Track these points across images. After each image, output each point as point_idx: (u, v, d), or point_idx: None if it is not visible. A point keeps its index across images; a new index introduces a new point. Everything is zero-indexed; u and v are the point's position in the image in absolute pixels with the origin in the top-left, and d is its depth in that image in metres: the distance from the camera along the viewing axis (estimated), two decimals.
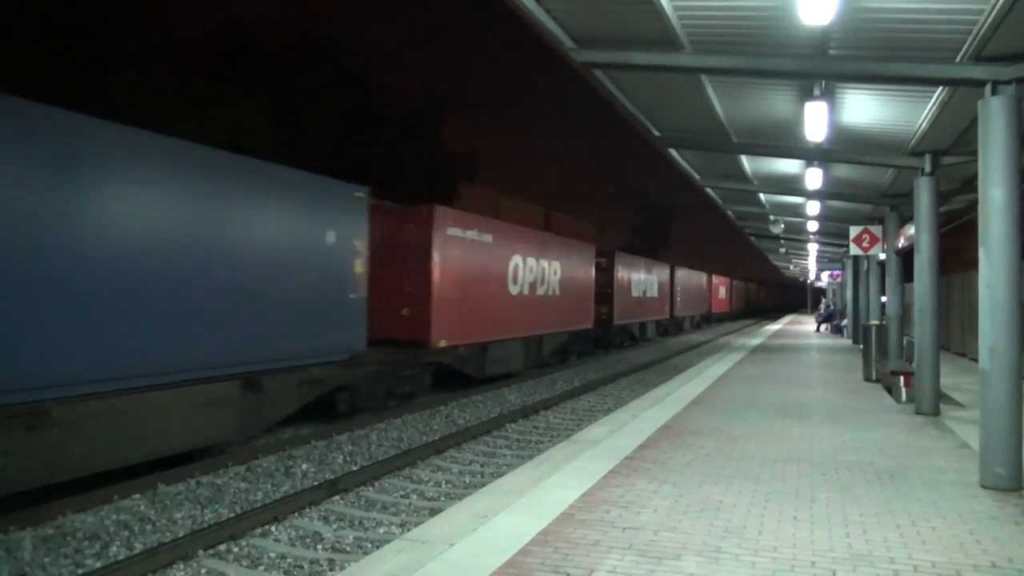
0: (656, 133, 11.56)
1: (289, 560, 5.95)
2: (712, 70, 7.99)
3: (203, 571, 5.70)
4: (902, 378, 10.67)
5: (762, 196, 18.51)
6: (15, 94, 6.61)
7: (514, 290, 16.89)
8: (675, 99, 9.96)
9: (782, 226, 23.28)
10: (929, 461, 7.00)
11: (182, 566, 5.76)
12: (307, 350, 9.99)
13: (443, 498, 7.82)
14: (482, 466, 9.28)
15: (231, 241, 8.80)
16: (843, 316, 30.65)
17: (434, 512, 6.73)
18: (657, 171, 72.59)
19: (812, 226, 22.66)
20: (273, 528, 6.69)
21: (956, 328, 18.80)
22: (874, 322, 14.72)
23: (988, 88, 6.18)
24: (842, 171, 13.32)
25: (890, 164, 11.03)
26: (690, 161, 14.63)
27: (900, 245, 14.06)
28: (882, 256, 16.32)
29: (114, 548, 6.11)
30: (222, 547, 6.17)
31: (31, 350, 6.55)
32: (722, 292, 54.15)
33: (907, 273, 13.09)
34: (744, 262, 73.53)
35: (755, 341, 26.42)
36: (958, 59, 6.61)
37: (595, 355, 24.23)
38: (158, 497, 7.46)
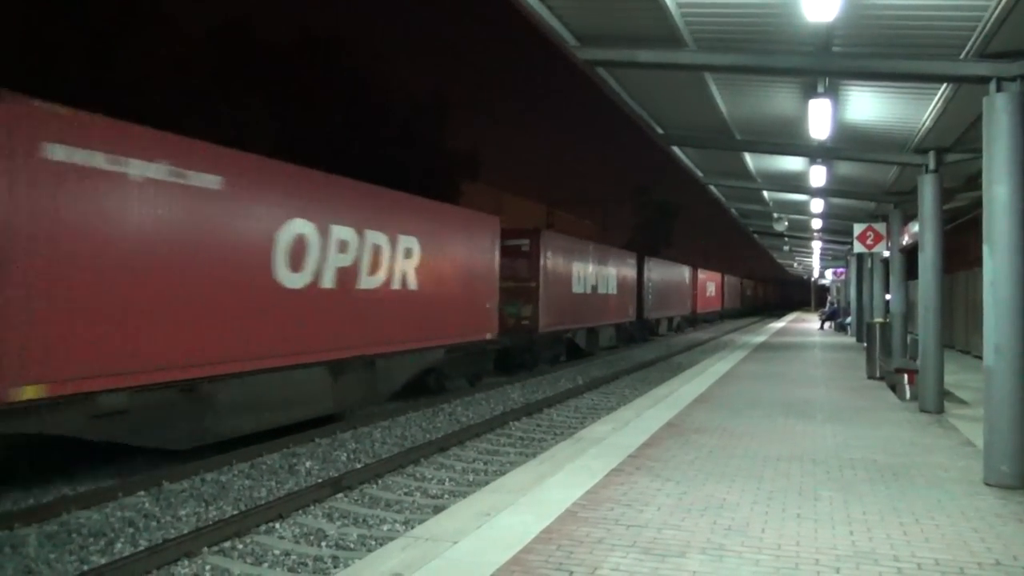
0: (659, 131, 11.54)
1: (293, 557, 5.97)
2: (716, 68, 7.97)
3: (207, 568, 5.72)
4: (906, 376, 10.65)
5: (765, 194, 18.47)
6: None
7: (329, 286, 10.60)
8: (678, 97, 9.94)
9: (785, 224, 23.20)
10: (933, 459, 6.99)
11: (187, 563, 5.78)
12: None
13: (447, 496, 7.83)
14: (485, 464, 9.29)
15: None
16: (847, 314, 30.59)
17: (438, 510, 6.74)
18: (661, 169, 72.51)
19: (816, 224, 22.60)
20: (277, 525, 6.70)
21: (960, 326, 18.77)
22: (878, 320, 14.70)
23: (993, 85, 6.17)
24: (846, 168, 13.28)
25: (894, 161, 11.00)
26: (693, 159, 14.61)
27: (904, 243, 14.04)
28: (886, 254, 16.28)
29: (119, 545, 6.14)
30: (226, 544, 6.19)
31: None
32: (711, 289, 47.39)
33: (911, 271, 13.05)
34: (744, 258, 72.92)
35: (759, 339, 26.38)
36: (962, 56, 6.58)
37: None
38: (163, 494, 7.48)
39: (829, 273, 43.15)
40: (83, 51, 20.23)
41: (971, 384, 11.57)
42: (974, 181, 11.93)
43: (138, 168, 7.66)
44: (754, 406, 10.12)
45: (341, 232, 10.79)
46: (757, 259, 65.65)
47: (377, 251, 11.67)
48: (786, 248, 37.61)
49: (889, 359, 12.77)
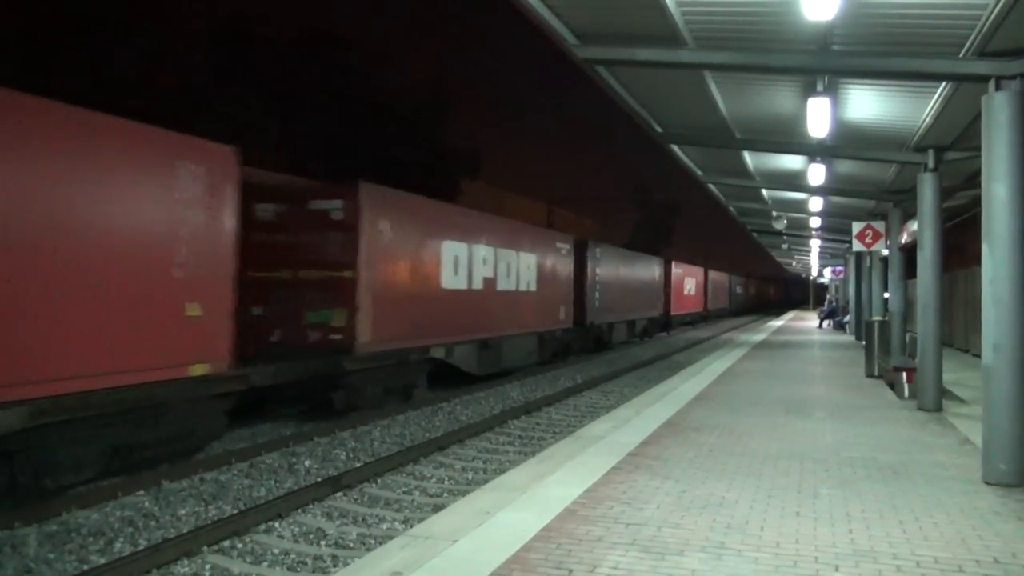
0: (658, 129, 11.55)
1: (293, 556, 5.97)
2: (715, 66, 7.98)
3: (207, 567, 5.72)
4: (905, 374, 10.66)
5: (764, 192, 18.49)
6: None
7: None
8: (678, 95, 9.95)
9: (784, 222, 23.22)
10: (932, 457, 7.00)
11: (186, 562, 5.78)
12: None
13: (446, 494, 7.83)
14: (485, 462, 9.29)
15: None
16: (845, 312, 30.61)
17: (437, 508, 6.75)
18: (660, 168, 72.47)
19: (815, 222, 22.62)
20: (277, 524, 6.71)
21: (959, 324, 18.79)
22: (877, 318, 14.72)
23: (992, 84, 6.17)
24: (845, 167, 13.30)
25: (893, 160, 11.01)
26: (692, 157, 14.62)
27: (903, 241, 14.04)
28: (885, 252, 16.30)
29: (118, 544, 6.13)
30: (226, 543, 6.19)
31: None
32: (690, 287, 39.22)
33: (910, 269, 13.05)
34: (741, 255, 72.37)
35: (757, 337, 26.41)
36: (962, 54, 6.59)
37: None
38: (162, 494, 7.48)
39: (828, 271, 43.20)
40: (86, 46, 20.18)
41: (970, 382, 11.59)
42: (973, 179, 11.94)
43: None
44: (753, 404, 10.13)
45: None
46: (755, 256, 65.37)
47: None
48: (785, 246, 37.65)
49: (888, 357, 12.78)
